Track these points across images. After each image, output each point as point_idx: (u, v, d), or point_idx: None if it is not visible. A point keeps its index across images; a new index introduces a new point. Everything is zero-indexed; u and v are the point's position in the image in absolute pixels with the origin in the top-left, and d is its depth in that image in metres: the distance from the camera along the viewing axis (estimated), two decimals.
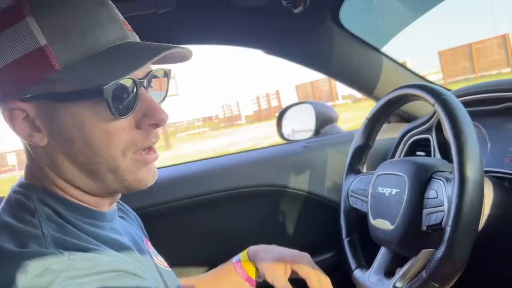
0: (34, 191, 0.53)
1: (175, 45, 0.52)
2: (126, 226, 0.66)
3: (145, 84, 0.53)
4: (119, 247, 0.54)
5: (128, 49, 0.51)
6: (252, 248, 0.86)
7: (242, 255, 0.86)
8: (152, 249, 0.70)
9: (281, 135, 1.47)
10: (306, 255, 0.83)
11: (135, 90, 0.51)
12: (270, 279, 0.79)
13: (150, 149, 0.55)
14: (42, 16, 0.48)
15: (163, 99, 0.60)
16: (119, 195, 0.60)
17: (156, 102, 0.54)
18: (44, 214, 0.50)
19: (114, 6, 0.53)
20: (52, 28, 0.48)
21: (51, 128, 0.51)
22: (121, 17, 0.53)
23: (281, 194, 1.20)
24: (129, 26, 0.55)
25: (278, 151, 1.31)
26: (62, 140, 0.51)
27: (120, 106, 0.50)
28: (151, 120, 0.53)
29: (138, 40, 0.55)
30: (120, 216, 0.68)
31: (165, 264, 0.70)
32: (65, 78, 0.48)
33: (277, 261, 0.81)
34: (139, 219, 0.76)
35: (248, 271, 0.83)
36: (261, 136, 14.40)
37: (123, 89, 0.50)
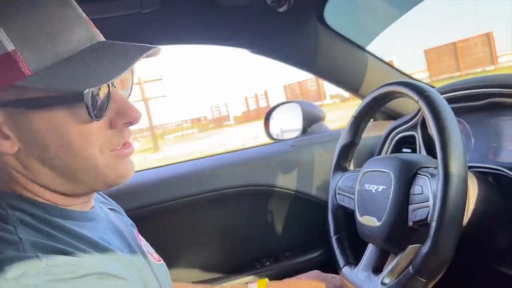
0: (2, 198, 0.51)
1: (148, 46, 0.51)
2: (114, 220, 0.65)
3: (114, 83, 0.53)
4: (102, 247, 0.52)
5: (102, 51, 0.50)
6: (271, 285, 0.89)
7: None
8: (144, 242, 0.69)
9: (269, 134, 1.47)
10: (318, 274, 0.91)
11: (107, 90, 0.51)
12: None
13: (125, 143, 0.55)
14: (7, 20, 0.46)
15: (128, 97, 0.60)
16: (93, 196, 0.60)
17: (128, 101, 0.54)
18: (17, 219, 0.48)
19: (77, 5, 0.52)
20: (19, 33, 0.46)
21: (22, 135, 0.49)
22: (85, 16, 0.52)
23: (269, 194, 1.21)
24: (92, 24, 0.53)
25: (265, 150, 1.31)
26: (35, 146, 0.49)
27: (96, 108, 0.49)
28: (125, 118, 0.53)
29: (104, 39, 0.54)
30: (110, 209, 0.68)
31: (157, 257, 0.69)
32: (38, 84, 0.46)
33: None
34: (121, 209, 0.76)
35: None
36: (250, 137, 14.41)
37: (99, 91, 0.49)
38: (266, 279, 0.90)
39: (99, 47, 0.51)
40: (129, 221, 0.72)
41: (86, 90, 0.47)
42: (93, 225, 0.57)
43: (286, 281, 0.92)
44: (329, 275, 0.92)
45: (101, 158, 0.52)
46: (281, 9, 0.94)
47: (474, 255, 0.93)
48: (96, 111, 0.49)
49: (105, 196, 0.74)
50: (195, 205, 1.14)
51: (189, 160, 1.28)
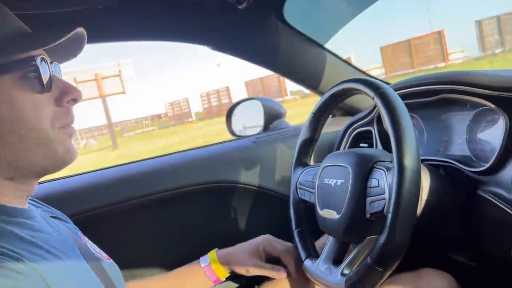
0: None
1: (79, 28, 0.58)
2: (54, 225, 0.65)
3: (53, 68, 0.59)
4: (23, 244, 0.52)
5: (37, 33, 0.56)
6: (221, 253, 0.93)
7: (211, 259, 0.92)
8: (90, 243, 0.71)
9: (231, 131, 1.48)
10: (269, 236, 0.95)
11: (50, 70, 0.57)
12: (259, 273, 0.89)
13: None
14: None
15: None
16: (35, 186, 0.61)
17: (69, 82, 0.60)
18: None
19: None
20: None
21: None
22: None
23: (232, 190, 1.21)
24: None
25: (227, 147, 1.31)
26: None
27: (44, 80, 0.55)
28: (69, 95, 0.58)
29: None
30: (53, 217, 0.69)
31: (106, 256, 0.71)
32: None
33: (252, 255, 0.90)
34: (65, 216, 0.76)
35: (218, 274, 0.91)
36: (212, 134, 14.33)
37: (45, 64, 0.56)
38: (216, 249, 0.94)
39: (32, 33, 0.58)
40: (73, 226, 0.73)
41: (36, 56, 0.53)
42: (30, 223, 0.57)
43: (237, 245, 0.95)
44: (280, 240, 0.95)
45: (52, 132, 0.56)
46: (241, 6, 0.94)
47: (429, 244, 0.98)
48: (45, 82, 0.55)
49: (48, 206, 0.74)
50: (156, 203, 1.12)
51: (150, 158, 1.26)
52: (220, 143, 1.39)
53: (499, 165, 0.79)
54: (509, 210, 0.75)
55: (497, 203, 0.77)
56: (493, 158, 0.80)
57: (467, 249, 0.93)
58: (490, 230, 0.82)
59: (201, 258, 0.93)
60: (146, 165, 1.21)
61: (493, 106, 0.82)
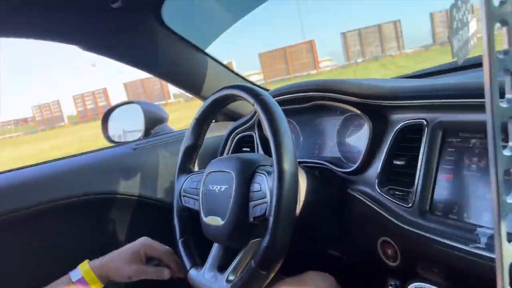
0: None
1: None
2: None
3: None
4: None
5: None
6: (95, 264, 0.86)
7: (84, 272, 0.84)
8: None
9: (108, 137, 1.38)
10: (146, 239, 0.93)
11: None
12: (143, 277, 0.87)
13: None
14: None
15: None
16: None
17: None
18: None
19: None
20: None
21: None
22: None
23: (111, 201, 1.13)
24: None
25: (104, 155, 1.22)
26: None
27: None
28: None
29: None
30: None
31: None
32: None
33: (131, 261, 0.86)
34: None
35: (94, 287, 0.84)
36: (88, 139, 13.36)
37: None
38: (87, 260, 0.87)
39: None
40: None
41: None
42: None
43: (112, 253, 0.89)
44: (158, 242, 0.94)
45: None
46: (115, 5, 0.89)
47: (309, 242, 1.04)
48: None
49: None
50: (24, 220, 0.98)
51: (14, 169, 1.10)
52: (96, 150, 1.28)
53: (365, 165, 0.87)
54: (374, 206, 0.83)
55: (364, 200, 0.86)
56: (360, 160, 0.88)
57: (342, 244, 1.00)
58: (359, 224, 0.91)
59: (71, 273, 0.85)
60: (9, 177, 1.05)
61: (358, 112, 0.91)
